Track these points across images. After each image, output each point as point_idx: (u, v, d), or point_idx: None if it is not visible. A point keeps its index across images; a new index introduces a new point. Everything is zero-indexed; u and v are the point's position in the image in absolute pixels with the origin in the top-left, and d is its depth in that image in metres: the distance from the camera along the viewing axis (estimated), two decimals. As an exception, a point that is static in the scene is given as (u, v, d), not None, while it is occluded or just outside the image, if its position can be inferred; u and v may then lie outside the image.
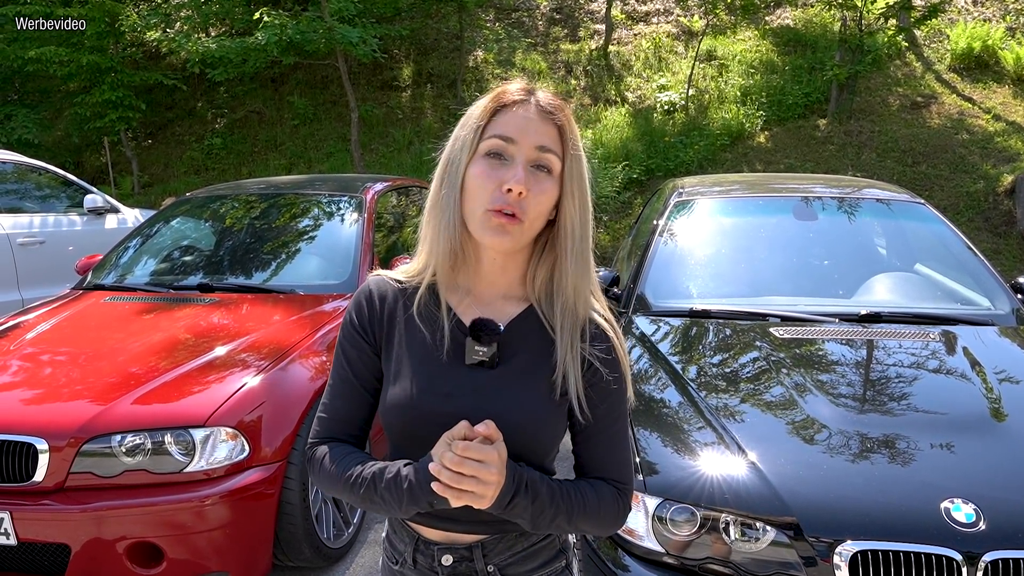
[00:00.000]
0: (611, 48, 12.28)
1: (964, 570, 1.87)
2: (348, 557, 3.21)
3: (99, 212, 6.55)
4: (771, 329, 2.93)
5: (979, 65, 11.26)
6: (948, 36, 11.62)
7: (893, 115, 10.40)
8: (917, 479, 2.03)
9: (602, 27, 12.56)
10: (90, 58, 9.60)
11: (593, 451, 1.25)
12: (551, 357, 1.21)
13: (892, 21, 10.47)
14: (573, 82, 11.93)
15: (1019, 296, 3.36)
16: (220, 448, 2.70)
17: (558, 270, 1.22)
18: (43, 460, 2.61)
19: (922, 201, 3.88)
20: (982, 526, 1.90)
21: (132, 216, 6.90)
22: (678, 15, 12.84)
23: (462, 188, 1.19)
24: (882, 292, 3.34)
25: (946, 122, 10.15)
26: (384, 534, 1.35)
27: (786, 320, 3.04)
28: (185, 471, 2.65)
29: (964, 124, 10.05)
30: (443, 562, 1.24)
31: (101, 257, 4.38)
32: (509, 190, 1.14)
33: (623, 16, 12.95)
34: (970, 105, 10.53)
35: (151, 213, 7.13)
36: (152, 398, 2.76)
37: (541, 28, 13.27)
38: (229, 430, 2.71)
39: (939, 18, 11.99)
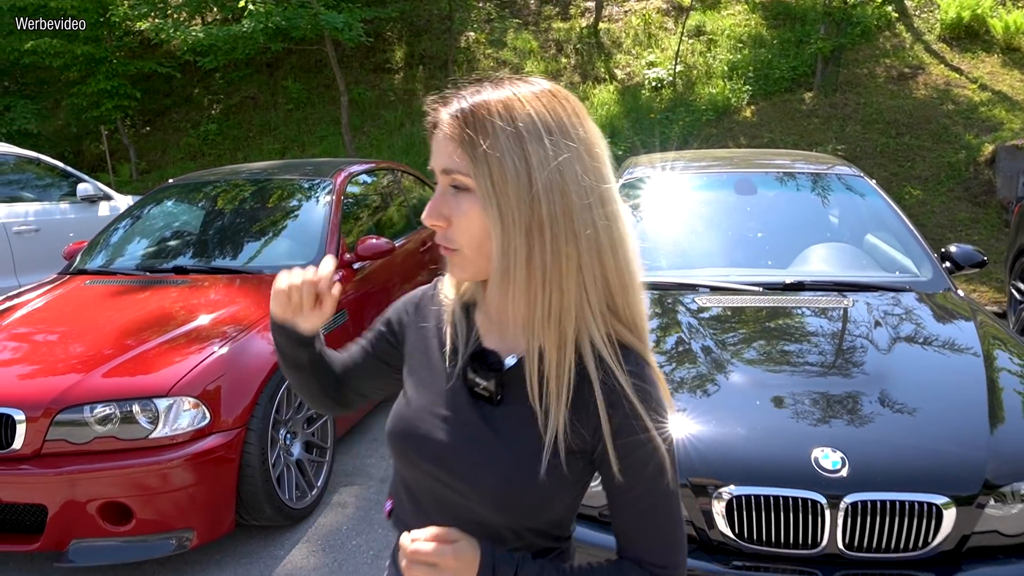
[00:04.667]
0: (601, 26, 12.36)
1: (827, 512, 2.07)
2: (310, 518, 3.45)
3: (92, 200, 6.80)
4: (696, 298, 3.12)
5: (969, 34, 11.25)
6: (939, 5, 11.62)
7: (879, 87, 10.46)
8: (794, 431, 2.24)
9: (592, 4, 12.64)
10: (84, 49, 9.84)
11: (624, 524, 1.06)
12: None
13: (880, -9, 10.51)
14: (564, 60, 12.03)
15: (946, 264, 3.54)
16: (183, 416, 2.93)
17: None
18: (20, 429, 2.85)
19: (861, 174, 4.03)
20: (844, 472, 2.10)
21: (125, 203, 7.13)
22: (668, -10, 12.88)
23: None
24: (815, 262, 3.51)
25: (932, 93, 10.20)
26: (388, 563, 1.27)
27: (715, 290, 3.24)
28: (151, 437, 2.89)
29: (950, 95, 10.09)
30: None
31: (86, 243, 4.62)
32: (429, 220, 1.04)
33: (613, -7, 13.01)
34: (957, 75, 10.56)
35: (144, 199, 7.37)
36: (120, 371, 3.00)
37: (532, 7, 13.36)
38: (191, 399, 2.94)
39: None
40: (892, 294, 3.17)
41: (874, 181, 4.05)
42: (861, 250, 3.62)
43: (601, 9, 12.42)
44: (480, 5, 13.00)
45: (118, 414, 2.89)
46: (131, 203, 7.12)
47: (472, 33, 12.51)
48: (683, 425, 2.30)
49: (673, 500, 1.04)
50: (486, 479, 1.03)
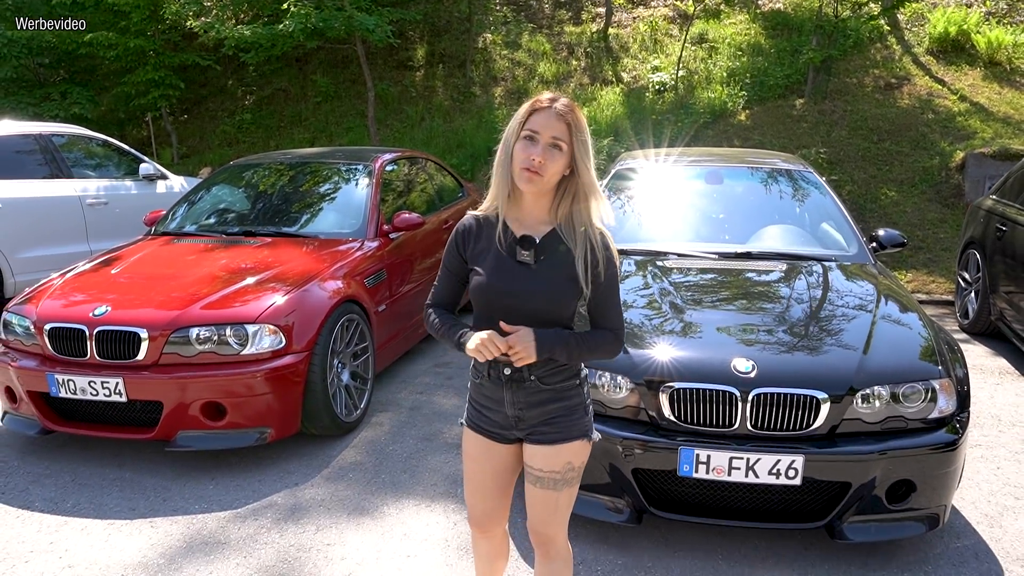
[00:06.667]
0: (611, 31, 13.19)
1: (739, 402, 2.93)
2: (355, 432, 4.33)
3: (151, 178, 7.70)
4: (666, 262, 3.99)
5: (955, 48, 12.01)
6: (928, 20, 12.40)
7: (867, 95, 11.25)
8: (722, 347, 3.10)
9: (603, 10, 13.47)
10: (136, 42, 10.75)
11: (599, 312, 2.05)
12: (567, 257, 2.00)
13: (870, 6, 11.28)
14: (574, 63, 12.87)
15: (872, 244, 4.40)
16: (265, 340, 3.82)
17: (576, 203, 2.01)
18: (144, 345, 3.75)
19: (811, 170, 4.88)
20: (753, 374, 2.96)
21: (178, 183, 8.04)
22: (675, 0, 13.71)
23: (511, 156, 1.99)
24: (764, 238, 4.38)
25: (915, 102, 10.98)
26: (471, 365, 2.17)
27: (682, 256, 4.11)
28: (241, 354, 3.77)
29: (931, 104, 10.88)
30: (505, 372, 2.06)
31: (164, 212, 5.51)
32: (534, 159, 1.93)
33: (623, 0, 13.84)
34: (940, 87, 11.34)
35: (192, 180, 8.29)
36: (217, 305, 3.88)
37: (547, 11, 14.20)
38: (271, 327, 3.83)
39: (921, 2, 12.79)
40: (820, 263, 4.04)
41: (824, 178, 4.90)
42: (803, 230, 4.47)
43: (611, 15, 13.25)
44: (497, 9, 13.86)
45: (216, 337, 3.78)
46: (184, 183, 8.05)
47: (489, 35, 13.36)
48: (650, 347, 3.16)
49: (619, 296, 2.08)
50: (539, 298, 2.01)
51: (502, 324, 1.97)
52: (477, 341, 1.95)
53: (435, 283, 2.22)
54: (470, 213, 2.16)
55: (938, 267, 8.18)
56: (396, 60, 13.38)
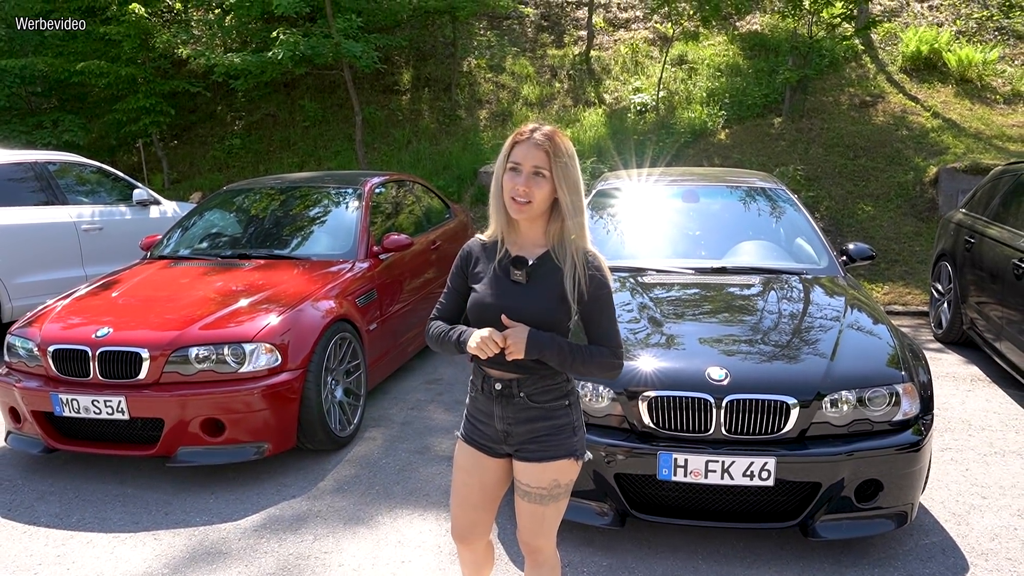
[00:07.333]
0: (593, 53, 13.48)
1: (713, 409, 3.11)
2: (349, 447, 4.47)
3: (145, 204, 7.85)
4: (645, 278, 4.18)
5: (927, 66, 12.36)
6: (901, 39, 12.75)
7: (843, 113, 11.55)
8: (697, 356, 3.28)
9: (585, 34, 13.76)
10: (127, 70, 10.93)
11: (592, 329, 2.15)
12: (558, 277, 2.11)
13: (845, 26, 11.60)
14: (557, 85, 13.14)
15: (843, 257, 4.60)
16: (261, 358, 3.97)
17: (563, 227, 2.12)
18: (145, 364, 3.89)
19: (784, 188, 5.10)
20: (726, 382, 3.13)
21: (171, 208, 8.19)
22: (655, 23, 14.03)
23: (501, 187, 2.15)
24: (740, 254, 4.57)
25: (889, 119, 11.29)
26: (470, 378, 2.30)
27: (660, 272, 4.29)
28: (239, 372, 3.92)
29: (905, 121, 11.18)
30: (496, 387, 2.19)
31: (160, 236, 5.66)
32: (519, 189, 2.08)
33: (605, 24, 14.15)
34: (914, 103, 11.66)
35: (185, 205, 8.45)
36: (215, 325, 4.03)
37: (530, 35, 14.50)
38: (268, 345, 3.98)
39: (894, 22, 13.16)
40: (792, 276, 4.23)
41: (797, 196, 5.12)
42: (777, 245, 4.67)
43: (593, 38, 13.55)
44: (481, 33, 14.13)
45: (214, 356, 3.93)
46: (176, 208, 8.20)
47: (473, 59, 13.62)
48: (630, 359, 3.33)
49: (612, 315, 2.18)
50: (529, 314, 2.11)
51: (504, 318, 2.09)
52: (477, 339, 2.07)
53: (440, 300, 2.34)
54: (477, 236, 2.32)
55: (914, 279, 8.42)
56: (383, 85, 13.62)
